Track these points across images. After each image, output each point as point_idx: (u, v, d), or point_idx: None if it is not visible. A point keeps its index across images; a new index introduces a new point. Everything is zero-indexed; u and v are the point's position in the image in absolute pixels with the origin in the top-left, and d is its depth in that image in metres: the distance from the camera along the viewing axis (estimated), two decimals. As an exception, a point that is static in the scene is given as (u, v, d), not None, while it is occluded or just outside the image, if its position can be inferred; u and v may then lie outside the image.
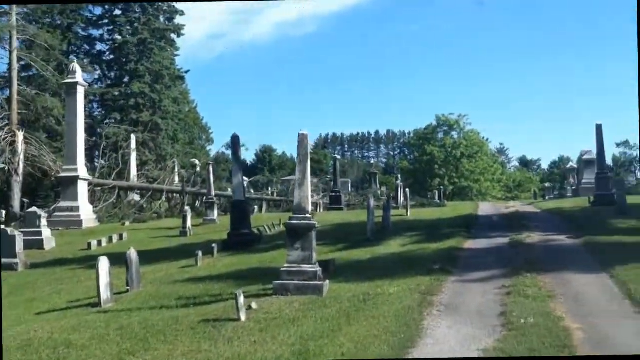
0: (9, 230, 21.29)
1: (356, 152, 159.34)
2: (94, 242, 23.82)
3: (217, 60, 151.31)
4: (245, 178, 49.44)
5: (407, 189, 28.95)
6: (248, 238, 19.34)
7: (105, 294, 12.60)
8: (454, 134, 67.93)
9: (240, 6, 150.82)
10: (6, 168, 35.67)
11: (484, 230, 19.12)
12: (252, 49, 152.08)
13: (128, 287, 13.78)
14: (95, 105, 51.66)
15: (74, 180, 31.31)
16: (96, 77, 51.88)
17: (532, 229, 18.93)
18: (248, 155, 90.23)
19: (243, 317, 9.47)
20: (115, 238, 25.08)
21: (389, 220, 21.02)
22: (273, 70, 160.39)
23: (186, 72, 59.59)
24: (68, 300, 13.67)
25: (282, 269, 11.29)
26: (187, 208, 27.11)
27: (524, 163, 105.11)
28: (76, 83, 31.90)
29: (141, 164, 45.46)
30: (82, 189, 31.69)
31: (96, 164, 42.46)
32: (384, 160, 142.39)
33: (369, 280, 11.98)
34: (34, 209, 26.74)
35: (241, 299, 9.57)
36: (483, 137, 68.45)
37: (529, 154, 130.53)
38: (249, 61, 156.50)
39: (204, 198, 31.40)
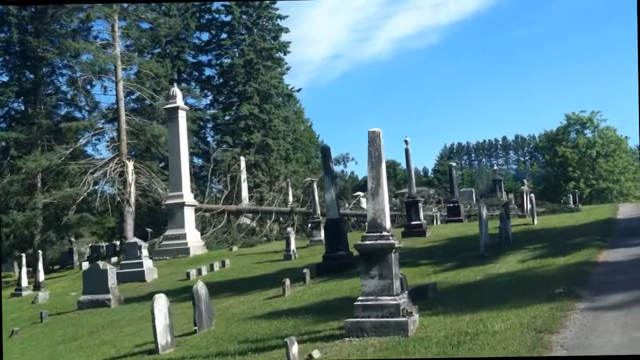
0: (100, 264, 20.39)
1: (484, 160, 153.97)
2: (193, 272, 22.52)
3: (339, 80, 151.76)
4: (361, 193, 47.86)
5: (532, 194, 25.69)
6: (345, 261, 17.12)
7: (163, 338, 10.83)
8: (588, 132, 62.65)
9: (358, 24, 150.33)
10: (118, 199, 35.72)
11: (624, 238, 15.86)
12: (373, 65, 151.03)
13: (195, 328, 11.98)
14: (209, 131, 51.69)
15: (179, 207, 30.59)
16: (208, 102, 52.02)
17: (685, 232, 15.59)
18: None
19: (296, 373, 7.32)
20: (217, 266, 23.74)
21: (508, 231, 18.15)
22: (393, 85, 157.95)
23: (297, 90, 58.90)
24: (137, 344, 12.08)
25: (355, 304, 9.01)
26: (289, 230, 25.35)
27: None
28: (177, 107, 31.31)
29: (255, 186, 44.66)
30: (189, 215, 30.89)
31: (214, 189, 42.14)
32: (514, 166, 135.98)
33: (472, 312, 9.45)
34: (134, 239, 26.04)
35: (294, 349, 7.43)
36: (621, 135, 62.56)
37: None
38: (370, 77, 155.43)
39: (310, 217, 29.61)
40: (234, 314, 13.60)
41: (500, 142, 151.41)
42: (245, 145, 47.56)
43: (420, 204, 24.29)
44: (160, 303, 11.01)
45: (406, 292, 9.58)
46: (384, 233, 8.99)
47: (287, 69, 56.02)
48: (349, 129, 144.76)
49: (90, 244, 41.86)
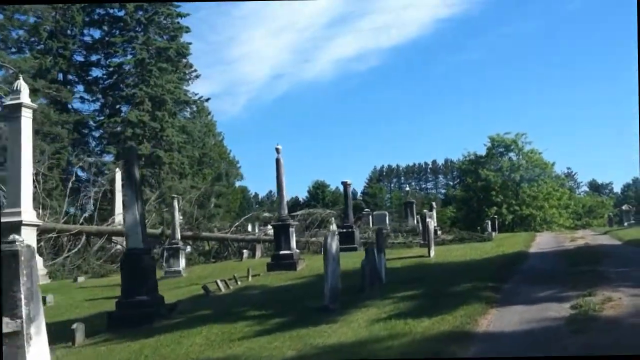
0: None
1: (413, 183, 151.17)
2: (-11, 312, 16.93)
3: (280, 100, 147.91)
4: (270, 215, 42.62)
5: (429, 220, 21.07)
6: (146, 309, 12.07)
7: None
8: (512, 155, 59.30)
9: (300, 45, 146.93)
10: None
11: (526, 285, 11.13)
12: (313, 86, 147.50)
13: None
14: (95, 140, 45.84)
15: (16, 227, 24.80)
16: (97, 107, 46.24)
17: (611, 279, 11.03)
18: (301, 192, 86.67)
19: None
20: (32, 302, 18.18)
21: (379, 269, 13.49)
22: (331, 105, 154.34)
23: (206, 100, 53.95)
24: None
25: None
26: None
27: (595, 187, 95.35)
28: (20, 105, 25.53)
29: (158, 204, 39.09)
30: (28, 237, 25.03)
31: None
32: (443, 190, 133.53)
33: None
34: None
35: None
36: (548, 162, 59.34)
37: (600, 177, 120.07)
38: (310, 98, 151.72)
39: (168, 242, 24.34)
40: None
41: (430, 166, 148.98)
42: (133, 156, 42.08)
43: (291, 229, 19.47)
44: None
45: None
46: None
47: (197, 76, 51.11)
48: (285, 149, 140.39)
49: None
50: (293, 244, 19.42)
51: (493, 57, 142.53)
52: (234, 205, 64.06)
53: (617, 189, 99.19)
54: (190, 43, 46.50)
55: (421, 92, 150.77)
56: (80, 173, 43.71)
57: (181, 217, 34.93)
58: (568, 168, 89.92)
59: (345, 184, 26.61)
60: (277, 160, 19.89)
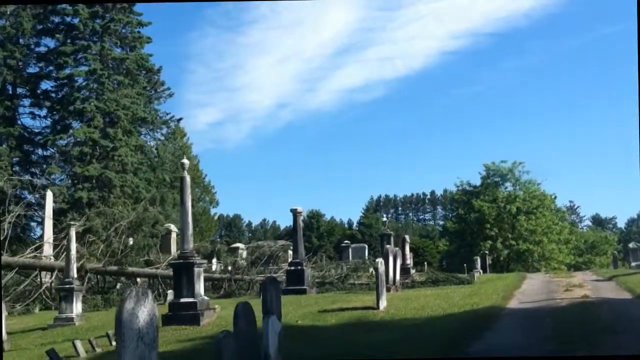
0: None
1: (410, 214, 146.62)
2: None
3: (284, 128, 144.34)
4: (241, 245, 37.87)
5: (380, 260, 16.01)
6: None
7: None
8: (508, 185, 54.75)
9: (306, 75, 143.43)
10: None
11: None
12: (318, 116, 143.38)
13: None
14: (40, 159, 41.23)
15: None
16: (49, 123, 41.71)
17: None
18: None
19: None
20: None
21: (266, 343, 8.81)
22: (333, 135, 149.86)
23: (179, 119, 49.77)
24: None
25: None
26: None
27: (598, 222, 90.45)
28: None
29: (84, 232, 34.43)
30: None
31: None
32: (441, 222, 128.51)
33: None
34: None
35: None
36: (548, 193, 54.68)
37: (603, 211, 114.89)
38: (313, 127, 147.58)
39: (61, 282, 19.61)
40: None
41: (429, 197, 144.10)
42: (78, 178, 37.63)
43: (197, 269, 14.74)
44: None
45: None
46: None
47: (170, 95, 46.83)
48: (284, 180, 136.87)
49: None
50: (199, 289, 14.66)
51: (497, 89, 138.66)
52: (209, 234, 59.30)
53: (621, 223, 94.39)
54: (151, 55, 42.23)
55: (425, 122, 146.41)
56: (29, 195, 39.30)
57: (124, 247, 30.43)
58: (570, 201, 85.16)
59: (295, 212, 21.81)
60: (182, 179, 15.39)
